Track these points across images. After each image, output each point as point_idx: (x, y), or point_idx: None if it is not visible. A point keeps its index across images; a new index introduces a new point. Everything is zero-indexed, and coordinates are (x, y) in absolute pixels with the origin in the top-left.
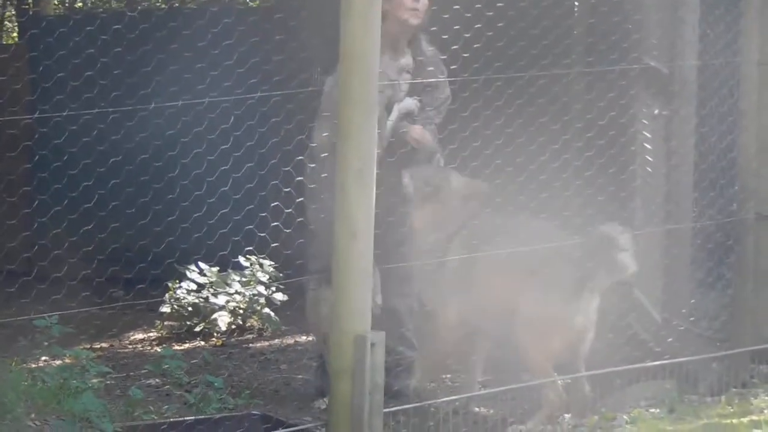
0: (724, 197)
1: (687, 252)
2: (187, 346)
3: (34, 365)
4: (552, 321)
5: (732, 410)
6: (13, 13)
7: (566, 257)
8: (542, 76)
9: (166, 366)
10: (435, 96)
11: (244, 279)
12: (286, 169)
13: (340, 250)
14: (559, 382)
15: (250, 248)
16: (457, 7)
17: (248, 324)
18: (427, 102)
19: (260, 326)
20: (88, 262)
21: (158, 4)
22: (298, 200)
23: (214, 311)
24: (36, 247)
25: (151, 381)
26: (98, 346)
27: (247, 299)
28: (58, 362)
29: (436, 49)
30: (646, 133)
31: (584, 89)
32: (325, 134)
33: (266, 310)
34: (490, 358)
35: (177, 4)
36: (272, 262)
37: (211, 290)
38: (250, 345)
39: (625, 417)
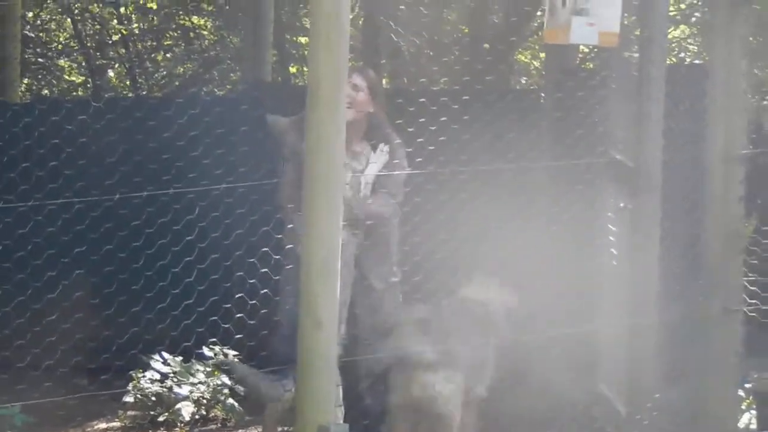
0: (689, 291)
1: (652, 346)
2: None
3: None
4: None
5: None
6: None
7: None
8: (508, 169)
9: None
10: (392, 179)
11: (208, 369)
12: (251, 260)
13: (304, 339)
14: None
15: (214, 339)
16: (422, 100)
17: (212, 414)
18: (384, 184)
19: (224, 416)
20: (51, 352)
21: (124, 93)
22: (262, 291)
23: (177, 401)
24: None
25: None
26: None
27: (211, 389)
28: None
29: (400, 142)
30: (611, 226)
31: (550, 182)
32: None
33: (230, 400)
34: None
35: (144, 93)
36: (236, 353)
37: (175, 380)
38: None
39: None
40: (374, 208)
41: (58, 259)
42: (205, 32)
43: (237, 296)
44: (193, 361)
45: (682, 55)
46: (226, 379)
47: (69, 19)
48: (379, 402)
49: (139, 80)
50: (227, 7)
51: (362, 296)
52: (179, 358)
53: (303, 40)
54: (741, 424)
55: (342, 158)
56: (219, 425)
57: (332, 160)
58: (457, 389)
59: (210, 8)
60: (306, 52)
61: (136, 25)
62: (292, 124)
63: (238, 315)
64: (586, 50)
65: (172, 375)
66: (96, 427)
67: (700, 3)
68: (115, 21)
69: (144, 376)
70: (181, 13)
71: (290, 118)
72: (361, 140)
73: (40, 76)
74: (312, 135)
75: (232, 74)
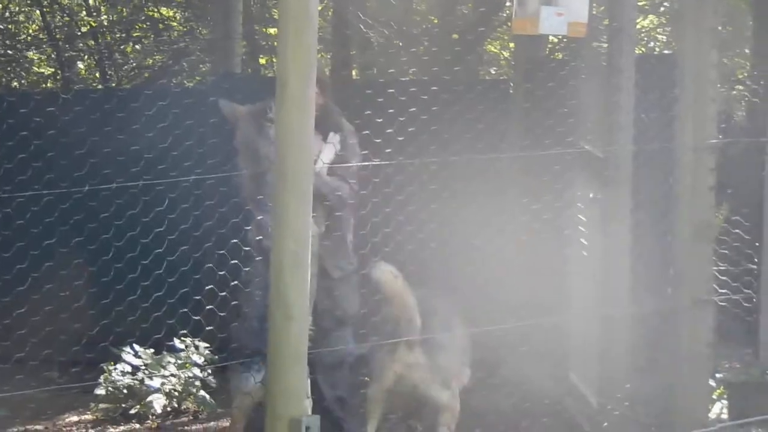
0: (660, 281)
1: (623, 336)
2: (122, 428)
3: None
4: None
5: None
6: None
7: None
8: (478, 160)
9: None
10: (345, 165)
11: (179, 361)
12: (221, 252)
13: (275, 332)
14: None
15: (185, 331)
16: (391, 90)
17: (184, 407)
18: (337, 170)
19: (196, 409)
20: (21, 344)
21: (93, 85)
22: (233, 283)
23: (149, 393)
24: None
25: None
26: (32, 429)
27: (182, 381)
28: None
29: (352, 129)
30: (581, 217)
31: (519, 173)
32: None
33: (202, 392)
34: None
35: (113, 85)
36: (207, 345)
37: (146, 372)
38: (186, 428)
39: None
40: (331, 184)
41: (27, 251)
42: (174, 24)
43: (207, 288)
44: (164, 353)
45: (652, 44)
46: (197, 371)
47: (38, 11)
48: (348, 391)
49: (109, 72)
50: None
51: (319, 286)
52: (150, 351)
53: (272, 31)
54: (712, 415)
55: (311, 152)
56: (191, 417)
57: (301, 153)
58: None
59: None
60: (276, 43)
61: (105, 16)
62: (248, 115)
63: (209, 307)
64: (556, 40)
65: (143, 367)
66: (67, 420)
67: None
68: (84, 12)
69: (115, 369)
70: (149, 4)
71: (247, 106)
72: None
73: (9, 68)
74: (281, 129)
75: (201, 66)
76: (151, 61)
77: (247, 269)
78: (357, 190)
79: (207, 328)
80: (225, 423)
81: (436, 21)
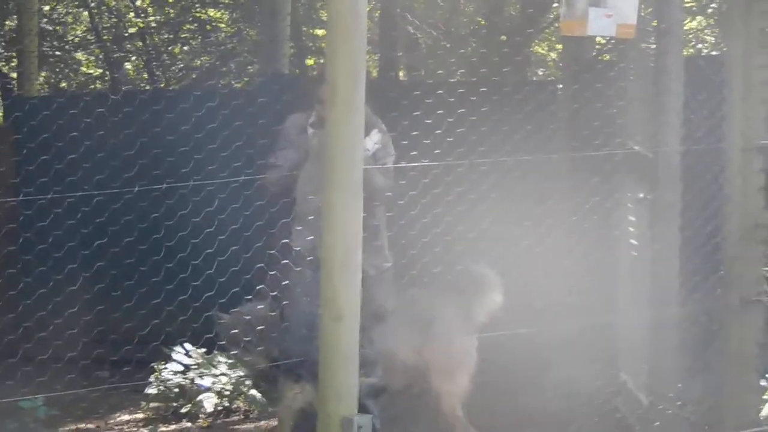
0: (709, 282)
1: (673, 336)
2: (173, 427)
3: None
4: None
5: None
6: None
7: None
8: (526, 161)
9: None
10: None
11: (230, 361)
12: (272, 252)
13: (325, 332)
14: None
15: (236, 331)
16: (440, 91)
17: (234, 406)
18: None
19: (247, 408)
20: (73, 344)
21: (142, 86)
22: (284, 283)
23: (200, 393)
24: (21, 329)
25: None
26: (84, 428)
27: (233, 381)
28: None
29: (385, 130)
30: (630, 217)
31: (568, 174)
32: (309, 238)
33: (252, 391)
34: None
35: (161, 86)
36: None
37: (197, 372)
38: (237, 427)
39: None
40: (371, 176)
41: (78, 251)
42: (222, 25)
43: (258, 288)
44: (215, 352)
45: (699, 46)
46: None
47: (86, 12)
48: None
49: (156, 73)
50: (243, 0)
51: None
52: (201, 350)
53: (320, 32)
54: (763, 414)
55: (361, 153)
56: (241, 416)
57: (351, 154)
58: None
59: (227, 1)
60: (323, 45)
61: (152, 17)
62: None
63: (260, 306)
64: (603, 41)
65: (194, 366)
66: (118, 419)
67: None
68: (132, 14)
69: (166, 368)
70: (197, 5)
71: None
72: None
73: (57, 69)
74: (331, 130)
75: (249, 67)
76: (198, 62)
77: (296, 269)
78: (391, 187)
79: (258, 328)
80: (275, 422)
81: (483, 22)
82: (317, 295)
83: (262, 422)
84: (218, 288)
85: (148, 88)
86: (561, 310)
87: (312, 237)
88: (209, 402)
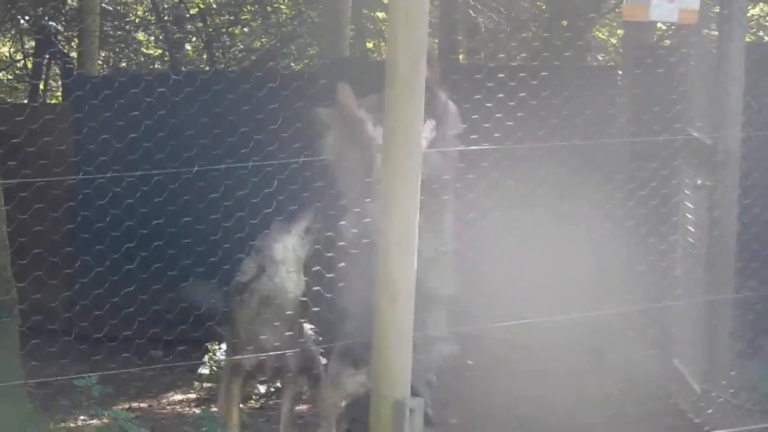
0: (765, 268)
1: (727, 322)
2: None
3: (73, 425)
4: None
5: None
6: (58, 73)
7: None
8: (586, 146)
9: (205, 428)
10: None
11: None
12: (329, 234)
13: (380, 313)
14: None
15: (290, 312)
16: (501, 75)
17: None
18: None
19: (299, 389)
20: (128, 323)
21: (201, 67)
22: (340, 264)
23: None
24: (77, 307)
25: None
26: (137, 407)
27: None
28: (97, 422)
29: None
30: (688, 204)
31: (627, 159)
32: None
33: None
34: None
35: (221, 67)
36: (312, 326)
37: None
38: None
39: None
40: (434, 164)
41: (136, 231)
42: (283, 6)
43: (314, 269)
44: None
45: (761, 33)
46: None
47: None
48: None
49: (216, 54)
50: None
51: None
52: None
53: (380, 14)
54: None
55: (420, 136)
56: None
57: (410, 136)
58: None
59: None
60: (383, 27)
61: None
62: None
63: (315, 288)
64: (664, 27)
65: None
66: (171, 398)
67: None
68: None
69: (220, 348)
70: None
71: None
72: None
73: (117, 50)
74: (390, 112)
75: (309, 49)
76: (258, 43)
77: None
78: (457, 171)
79: (313, 309)
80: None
81: (544, 7)
82: (371, 279)
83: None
84: None
85: (207, 68)
86: (618, 295)
87: (368, 219)
88: (261, 383)
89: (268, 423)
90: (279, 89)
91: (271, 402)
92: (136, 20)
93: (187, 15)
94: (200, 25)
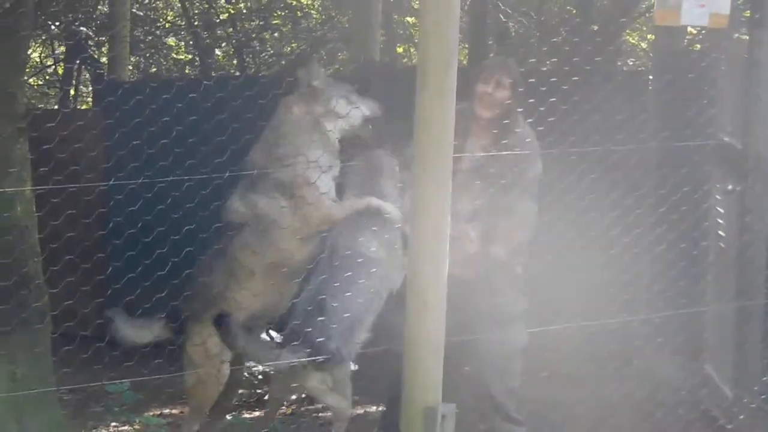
0: None
1: (759, 329)
2: (256, 414)
3: (105, 431)
4: None
5: None
6: (88, 78)
7: None
8: (616, 151)
9: None
10: (521, 173)
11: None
12: (361, 239)
13: (411, 320)
14: None
15: (322, 318)
16: (532, 80)
17: None
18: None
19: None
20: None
21: (233, 72)
22: (372, 270)
23: None
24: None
25: None
26: (168, 413)
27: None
28: (128, 429)
29: (529, 129)
30: (719, 209)
31: (657, 164)
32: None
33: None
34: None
35: (252, 72)
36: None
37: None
38: (320, 414)
39: None
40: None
41: (168, 236)
42: (313, 11)
43: (347, 275)
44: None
45: None
46: None
47: None
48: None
49: (246, 59)
50: None
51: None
52: None
53: (410, 19)
54: None
55: (450, 140)
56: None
57: (440, 142)
58: None
59: None
60: (413, 32)
61: (243, 4)
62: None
63: (347, 294)
64: (694, 32)
65: None
66: None
67: None
68: (223, 0)
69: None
70: None
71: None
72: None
73: (148, 55)
74: (420, 118)
75: (339, 54)
76: (289, 48)
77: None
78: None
79: (344, 316)
80: (359, 410)
81: (574, 11)
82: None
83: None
84: (305, 274)
85: (238, 74)
86: (647, 300)
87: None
88: None
89: (299, 429)
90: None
91: (302, 408)
92: (167, 25)
93: (217, 20)
94: (230, 30)
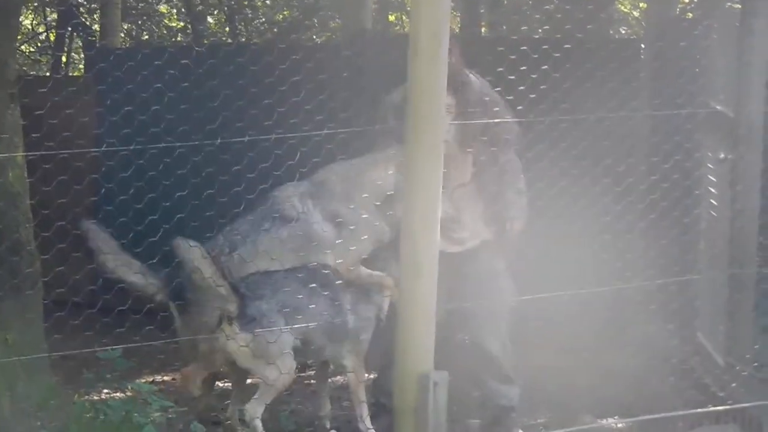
0: None
1: (750, 297)
2: (248, 381)
3: (97, 398)
4: None
5: None
6: (80, 45)
7: None
8: (608, 119)
9: (228, 401)
10: (496, 132)
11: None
12: (352, 207)
13: (404, 288)
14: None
15: (314, 285)
16: (524, 48)
17: (310, 361)
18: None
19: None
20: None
21: (225, 39)
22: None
23: None
24: (100, 280)
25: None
26: (160, 380)
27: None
28: (120, 395)
29: (486, 86)
30: (711, 177)
31: (650, 132)
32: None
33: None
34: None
35: (243, 39)
36: None
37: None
38: (312, 381)
39: None
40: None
41: (159, 203)
42: None
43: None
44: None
45: None
46: None
47: None
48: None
49: (239, 27)
50: None
51: None
52: None
53: None
54: None
55: (443, 108)
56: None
57: (433, 108)
58: None
59: None
60: (406, 0)
61: None
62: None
63: (339, 261)
64: (687, 0)
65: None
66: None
67: None
68: None
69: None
70: None
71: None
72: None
73: (140, 22)
74: (413, 84)
75: (331, 22)
76: (281, 16)
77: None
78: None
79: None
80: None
81: None
82: None
83: (339, 377)
84: None
85: (230, 41)
86: (639, 269)
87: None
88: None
89: (291, 396)
90: (302, 62)
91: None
92: None
93: None
94: None
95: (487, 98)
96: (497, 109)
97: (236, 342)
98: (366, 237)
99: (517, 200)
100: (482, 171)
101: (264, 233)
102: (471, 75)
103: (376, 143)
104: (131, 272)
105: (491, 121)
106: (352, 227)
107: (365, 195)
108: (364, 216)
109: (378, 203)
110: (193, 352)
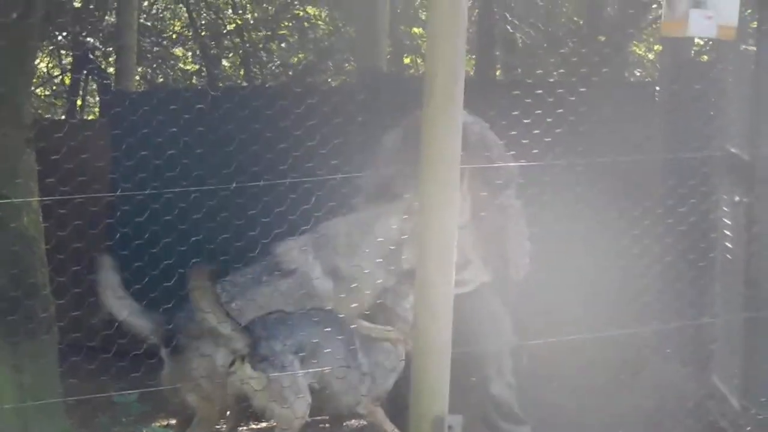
0: None
1: (766, 340)
2: (264, 425)
3: None
4: None
5: None
6: (95, 89)
7: None
8: (623, 162)
9: None
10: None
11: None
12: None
13: (422, 332)
14: None
15: (328, 329)
16: (539, 91)
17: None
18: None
19: None
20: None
21: (238, 82)
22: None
23: None
24: (116, 324)
25: None
26: (175, 424)
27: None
28: None
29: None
30: (726, 220)
31: (665, 175)
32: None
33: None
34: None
35: (258, 83)
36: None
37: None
38: (326, 425)
39: None
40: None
41: (175, 247)
42: (320, 22)
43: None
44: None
45: None
46: None
47: (184, 8)
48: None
49: (253, 70)
50: None
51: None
52: None
53: (417, 30)
54: None
55: (457, 151)
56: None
57: (447, 151)
58: None
59: None
60: (420, 43)
61: (250, 14)
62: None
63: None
64: (701, 43)
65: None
66: None
67: None
68: (230, 10)
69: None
70: (296, 2)
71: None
72: None
73: (155, 65)
74: (427, 127)
75: (346, 64)
76: (295, 59)
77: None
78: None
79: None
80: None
81: (581, 22)
82: None
83: (353, 421)
84: None
85: (245, 84)
86: (655, 312)
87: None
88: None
89: None
90: (317, 105)
91: (309, 419)
92: (174, 36)
93: (224, 30)
94: (237, 40)
95: (485, 140)
96: (495, 150)
97: (251, 385)
98: (368, 293)
99: (519, 243)
100: (480, 212)
101: (263, 285)
102: (470, 116)
103: (372, 190)
104: (125, 310)
105: (490, 165)
106: (353, 285)
107: (367, 250)
108: (366, 272)
109: (380, 260)
110: (183, 400)
